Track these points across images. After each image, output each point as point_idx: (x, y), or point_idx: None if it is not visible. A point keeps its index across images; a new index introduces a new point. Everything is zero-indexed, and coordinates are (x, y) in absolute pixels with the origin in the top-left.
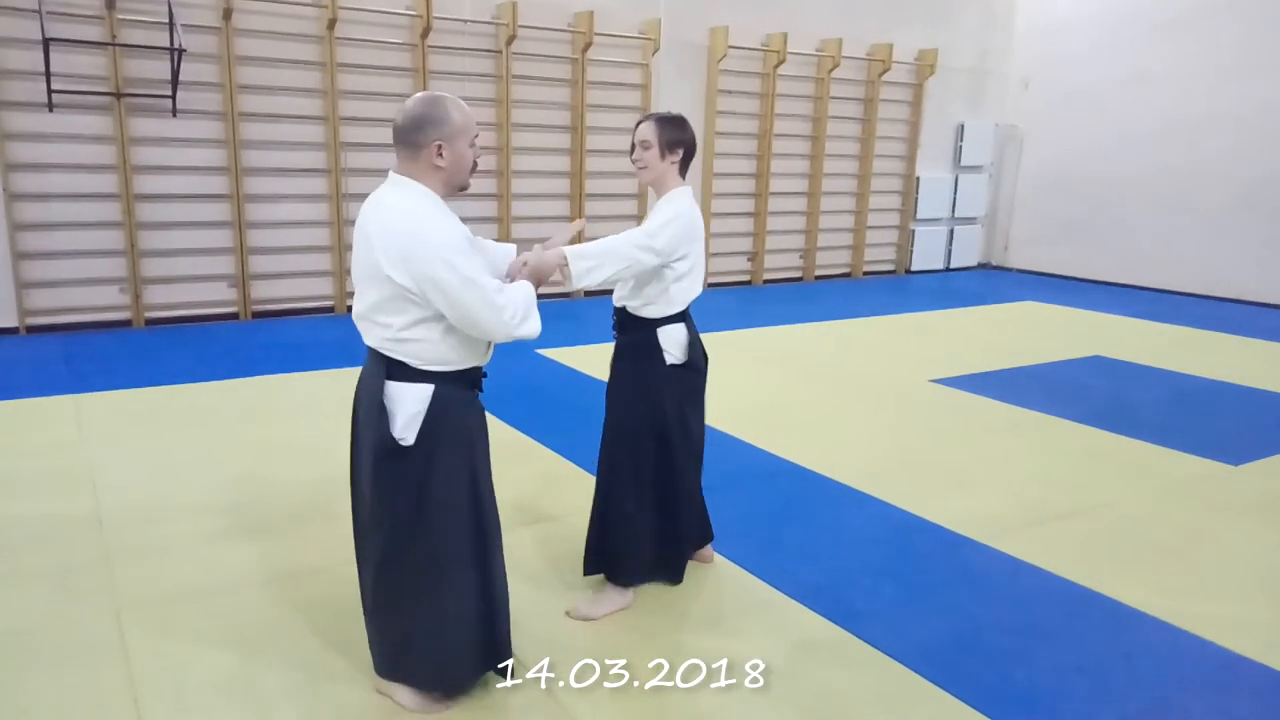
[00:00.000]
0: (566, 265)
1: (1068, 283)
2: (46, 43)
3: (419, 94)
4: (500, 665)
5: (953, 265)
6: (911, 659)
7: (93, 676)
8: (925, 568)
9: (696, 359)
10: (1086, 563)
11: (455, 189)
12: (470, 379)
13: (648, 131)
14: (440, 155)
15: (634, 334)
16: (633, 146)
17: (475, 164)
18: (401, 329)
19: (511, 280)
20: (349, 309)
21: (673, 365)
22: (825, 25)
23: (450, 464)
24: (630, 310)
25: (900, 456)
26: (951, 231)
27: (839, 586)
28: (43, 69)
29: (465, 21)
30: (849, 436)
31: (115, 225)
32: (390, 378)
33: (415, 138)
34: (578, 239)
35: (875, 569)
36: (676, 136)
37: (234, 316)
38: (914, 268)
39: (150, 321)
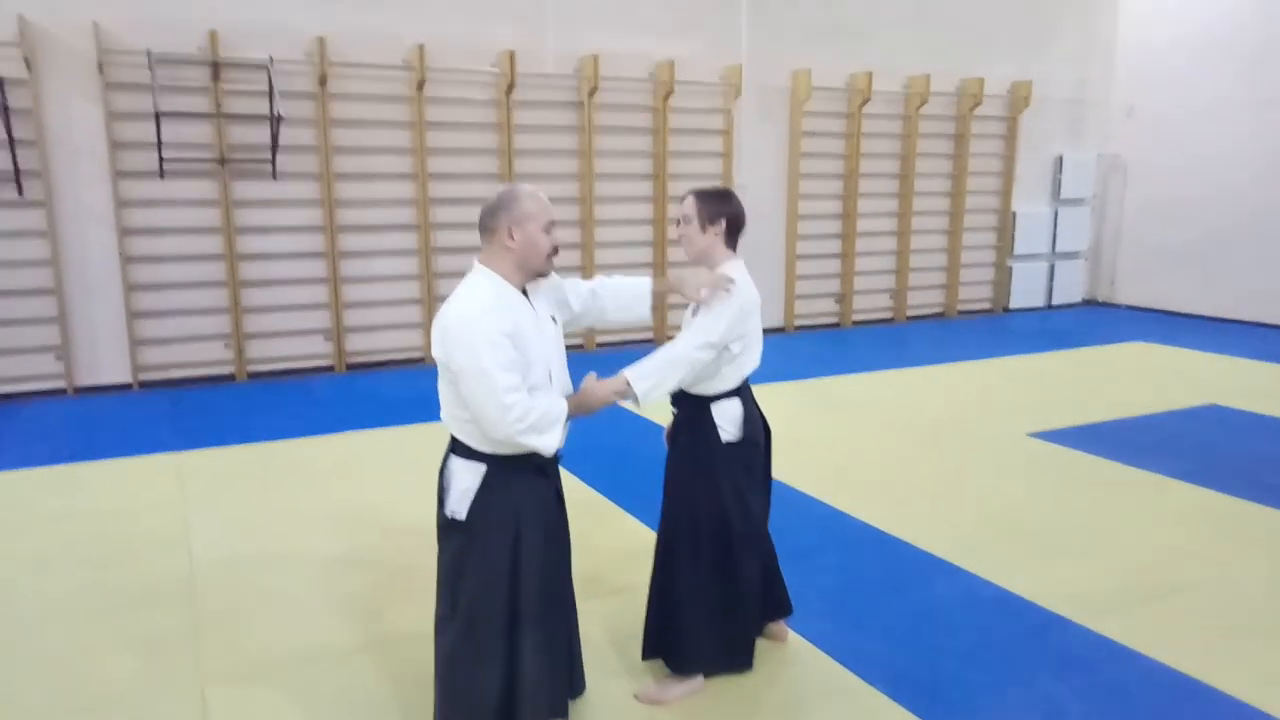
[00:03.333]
0: (629, 389)
1: (1180, 319)
2: (158, 116)
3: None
4: None
5: (1055, 302)
6: None
7: None
8: (1016, 652)
9: (754, 434)
10: (1198, 649)
11: (530, 273)
12: (531, 464)
13: (688, 206)
14: (511, 237)
15: (689, 410)
16: (676, 222)
17: (555, 250)
18: (454, 405)
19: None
20: None
21: (728, 443)
22: (912, 62)
23: (491, 544)
24: (683, 387)
25: (993, 521)
26: (1052, 267)
27: (922, 672)
28: (154, 140)
29: (549, 76)
30: (938, 498)
31: (220, 284)
32: (453, 452)
33: (490, 223)
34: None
35: (962, 652)
36: (718, 209)
37: (329, 369)
38: (1012, 305)
39: (252, 375)
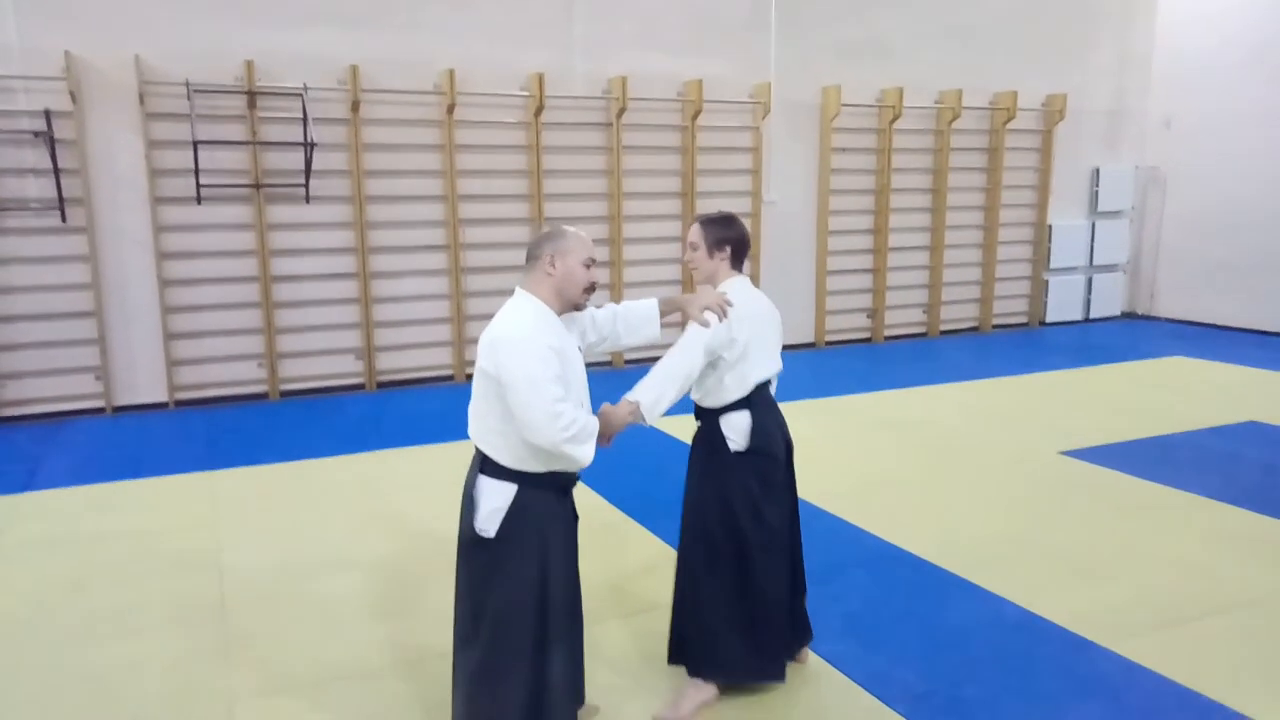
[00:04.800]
0: (639, 409)
1: (1221, 333)
2: (196, 144)
3: None
4: None
5: (1092, 316)
6: None
7: None
8: (1042, 676)
9: (766, 445)
10: (1229, 674)
11: (567, 303)
12: (557, 483)
13: (695, 234)
14: (553, 265)
15: (703, 423)
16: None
17: (592, 287)
18: (490, 422)
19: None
20: (468, 377)
21: (737, 452)
22: (943, 77)
23: (520, 562)
24: (695, 400)
25: (1021, 542)
26: (1090, 280)
27: (945, 696)
28: (192, 166)
29: (577, 98)
30: (966, 518)
31: (254, 305)
32: (482, 471)
33: (535, 252)
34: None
35: (986, 676)
36: (722, 235)
37: (360, 387)
38: (1049, 319)
39: (284, 394)
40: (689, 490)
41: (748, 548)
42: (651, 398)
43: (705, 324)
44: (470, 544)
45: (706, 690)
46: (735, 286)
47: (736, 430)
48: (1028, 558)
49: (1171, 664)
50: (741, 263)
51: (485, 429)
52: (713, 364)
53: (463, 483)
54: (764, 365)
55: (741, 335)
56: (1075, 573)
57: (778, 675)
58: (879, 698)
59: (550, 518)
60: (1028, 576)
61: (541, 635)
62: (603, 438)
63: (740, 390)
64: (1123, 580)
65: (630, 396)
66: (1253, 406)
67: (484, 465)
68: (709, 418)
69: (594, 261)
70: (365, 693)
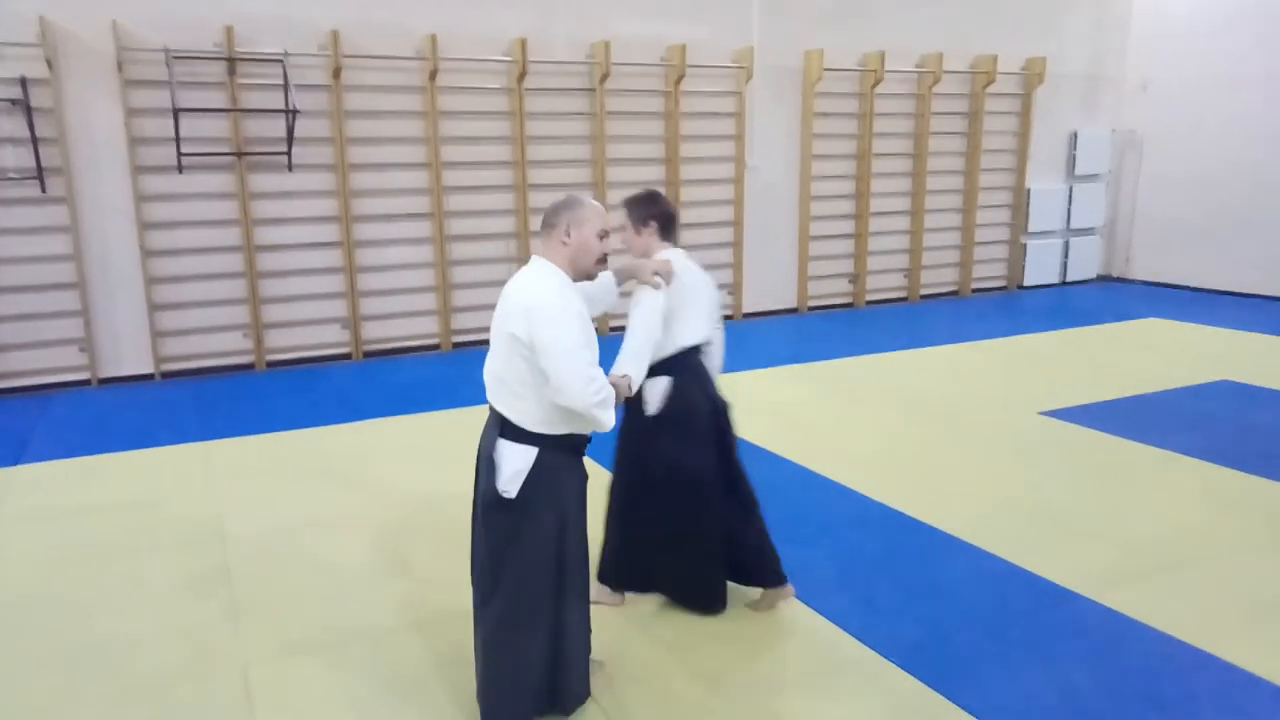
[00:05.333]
0: (629, 381)
1: (1194, 294)
2: (176, 111)
3: None
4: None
5: (1069, 279)
6: None
7: None
8: (1026, 625)
9: (683, 410)
10: (1201, 620)
11: (580, 273)
12: (574, 445)
13: (619, 216)
14: (568, 234)
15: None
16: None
17: (604, 258)
18: (514, 387)
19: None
20: (455, 346)
21: (653, 416)
22: (924, 41)
23: (541, 522)
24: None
25: (1004, 500)
26: (1067, 244)
27: (933, 645)
28: (173, 135)
29: (560, 63)
30: (950, 478)
31: (238, 275)
32: (502, 435)
33: (552, 219)
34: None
35: (972, 626)
36: (645, 212)
37: (347, 357)
38: (1027, 283)
39: (271, 364)
40: (618, 438)
41: (664, 492)
42: (637, 369)
43: (657, 286)
44: (491, 506)
45: (611, 596)
46: (673, 256)
47: (653, 394)
48: (1012, 516)
49: (1150, 612)
50: (671, 236)
51: (507, 393)
52: None
53: (451, 449)
54: (690, 331)
55: (672, 302)
56: (1059, 528)
57: (711, 606)
58: (873, 648)
59: (567, 477)
60: (1013, 533)
61: (560, 590)
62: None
63: (667, 351)
64: (1104, 535)
65: (619, 370)
66: (1225, 364)
67: (504, 429)
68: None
69: (607, 233)
70: (380, 651)
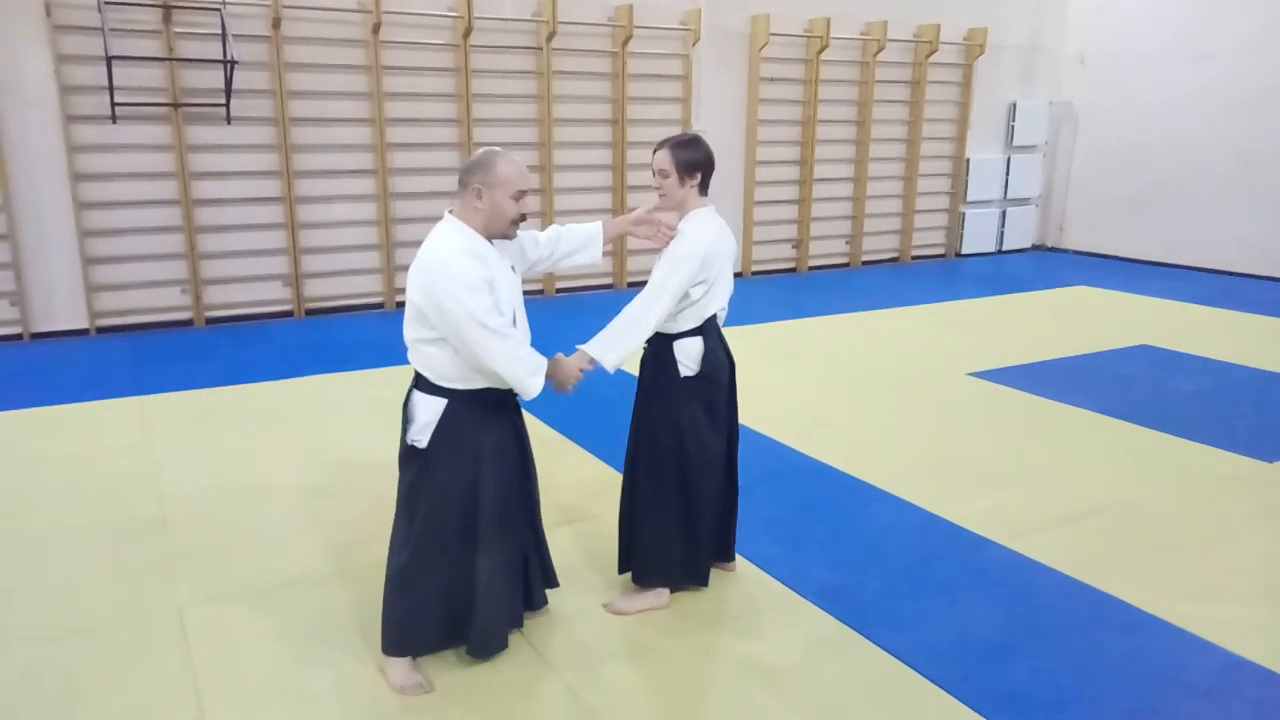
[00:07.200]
0: (591, 363)
1: (1124, 264)
2: (109, 59)
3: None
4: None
5: (1005, 248)
6: (914, 658)
7: (157, 673)
8: (939, 568)
9: (714, 371)
10: (1101, 564)
11: (495, 234)
12: (488, 399)
13: (664, 160)
14: (479, 198)
15: (655, 345)
16: (654, 173)
17: (522, 217)
18: (420, 344)
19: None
20: (399, 304)
21: (687, 377)
22: (870, 8)
23: (449, 470)
24: None
25: (929, 455)
26: (1004, 213)
27: (852, 587)
28: (106, 83)
29: (506, 20)
30: (880, 434)
31: (176, 230)
32: (416, 387)
33: (465, 179)
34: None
35: (890, 570)
36: (692, 157)
37: (289, 314)
38: (964, 251)
39: (210, 321)
40: (637, 409)
41: (688, 464)
42: (614, 355)
43: (669, 240)
44: (405, 456)
45: (660, 597)
46: (703, 219)
47: (690, 356)
48: (936, 470)
49: (1054, 556)
50: (707, 188)
51: (416, 351)
52: None
53: (389, 406)
54: (721, 298)
55: (710, 274)
56: (978, 481)
57: (702, 580)
58: (796, 591)
59: (484, 428)
60: (935, 486)
61: (471, 540)
62: (560, 388)
63: (696, 321)
64: (1020, 487)
65: (588, 350)
66: (1146, 330)
67: (417, 381)
68: (662, 342)
69: (524, 193)
70: (310, 599)
